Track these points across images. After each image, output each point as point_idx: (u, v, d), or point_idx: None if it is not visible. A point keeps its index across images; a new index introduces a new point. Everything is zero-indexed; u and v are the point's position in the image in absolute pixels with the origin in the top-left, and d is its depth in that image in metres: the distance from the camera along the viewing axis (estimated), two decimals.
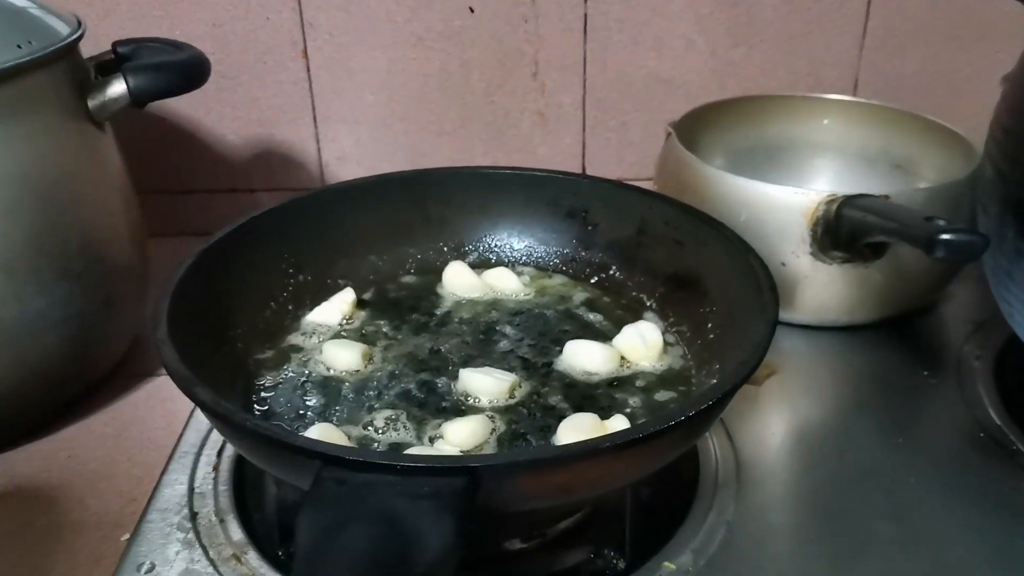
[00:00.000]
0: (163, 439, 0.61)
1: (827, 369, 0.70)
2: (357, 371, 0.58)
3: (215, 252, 0.57)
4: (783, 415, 0.65)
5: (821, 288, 0.70)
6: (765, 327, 0.49)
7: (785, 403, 0.66)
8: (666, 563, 0.51)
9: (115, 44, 0.68)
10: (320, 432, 0.50)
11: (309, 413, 0.55)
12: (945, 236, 0.50)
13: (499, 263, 0.70)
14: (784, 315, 0.72)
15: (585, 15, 0.87)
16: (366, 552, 0.35)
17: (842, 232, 0.64)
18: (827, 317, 0.72)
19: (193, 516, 0.54)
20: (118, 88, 0.64)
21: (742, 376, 0.45)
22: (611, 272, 0.68)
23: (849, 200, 0.64)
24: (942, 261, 0.52)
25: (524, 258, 0.70)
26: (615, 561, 0.51)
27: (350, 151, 0.91)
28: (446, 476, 0.38)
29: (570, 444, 0.44)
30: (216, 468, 0.58)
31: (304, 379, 0.57)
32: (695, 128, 0.83)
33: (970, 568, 0.52)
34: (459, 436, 0.51)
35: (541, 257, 0.70)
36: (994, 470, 0.59)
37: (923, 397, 0.66)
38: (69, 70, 0.62)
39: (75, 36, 0.62)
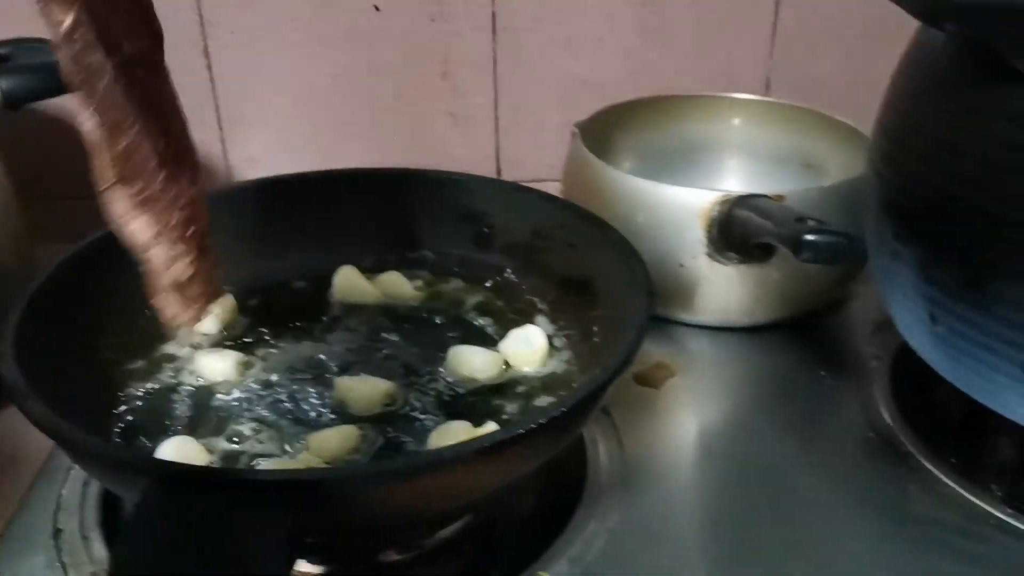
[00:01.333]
0: (35, 454, 0.59)
1: (728, 371, 0.70)
2: (230, 381, 0.56)
3: (80, 260, 0.55)
4: (678, 418, 0.64)
5: (720, 289, 0.69)
6: (635, 332, 0.48)
7: (682, 406, 0.66)
8: (540, 572, 0.50)
9: None
10: (176, 446, 0.48)
11: (175, 425, 0.53)
12: (809, 237, 0.50)
13: (395, 267, 0.68)
14: (686, 316, 0.72)
15: (493, 13, 0.86)
16: (187, 572, 0.34)
17: (733, 233, 0.63)
18: (728, 318, 0.71)
19: (57, 533, 0.52)
20: None
21: (599, 383, 0.44)
22: (506, 275, 0.67)
23: (741, 200, 0.64)
24: (809, 263, 0.52)
25: (419, 261, 0.69)
26: (489, 572, 0.50)
27: (258, 154, 0.90)
28: (279, 491, 0.37)
29: (409, 456, 0.42)
30: (87, 483, 0.56)
31: (173, 390, 0.56)
32: (607, 129, 0.82)
33: (852, 570, 0.51)
34: (324, 447, 0.49)
35: (437, 261, 0.69)
36: (883, 472, 0.58)
37: (820, 398, 0.66)
38: None
39: None
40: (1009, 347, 0.46)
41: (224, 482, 0.37)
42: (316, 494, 0.37)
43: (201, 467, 0.47)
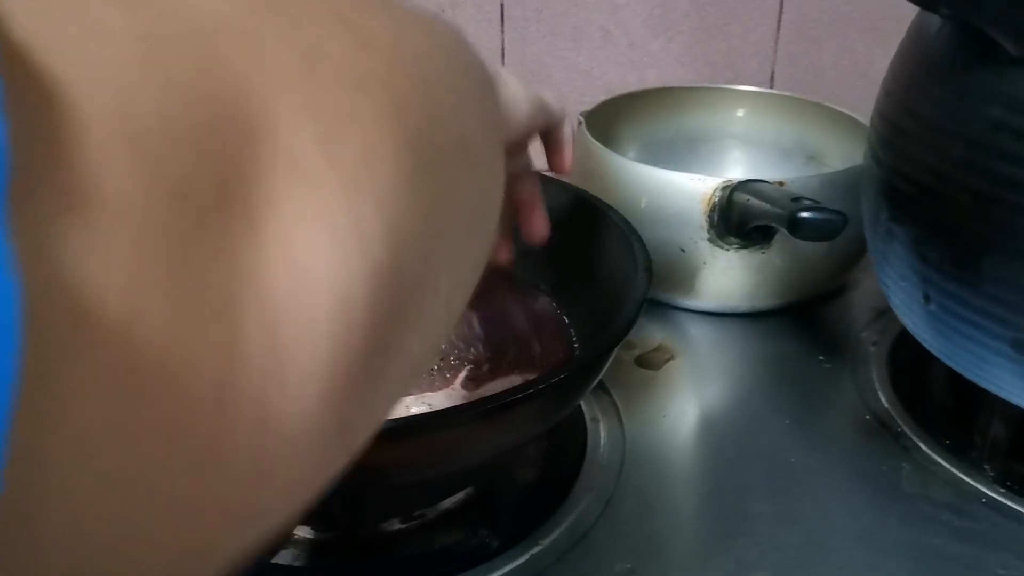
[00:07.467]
0: None
1: (727, 355, 0.71)
2: None
3: None
4: (677, 399, 0.66)
5: (721, 274, 0.70)
6: (632, 306, 0.50)
7: (681, 387, 0.67)
8: (540, 540, 0.51)
9: None
10: None
11: None
12: (804, 215, 0.51)
13: None
14: (686, 302, 0.73)
15: (502, 5, 0.87)
16: None
17: (733, 217, 0.65)
18: (728, 303, 0.72)
19: None
20: None
21: (599, 351, 0.45)
22: None
23: (741, 185, 0.65)
24: (805, 240, 0.53)
25: None
26: (488, 540, 0.52)
27: None
28: None
29: (413, 416, 0.44)
30: None
31: None
32: (611, 120, 0.83)
33: (840, 544, 0.52)
34: None
35: None
36: (877, 451, 0.59)
37: (817, 381, 0.67)
38: None
39: None
40: (998, 324, 0.48)
41: None
42: None
43: None
